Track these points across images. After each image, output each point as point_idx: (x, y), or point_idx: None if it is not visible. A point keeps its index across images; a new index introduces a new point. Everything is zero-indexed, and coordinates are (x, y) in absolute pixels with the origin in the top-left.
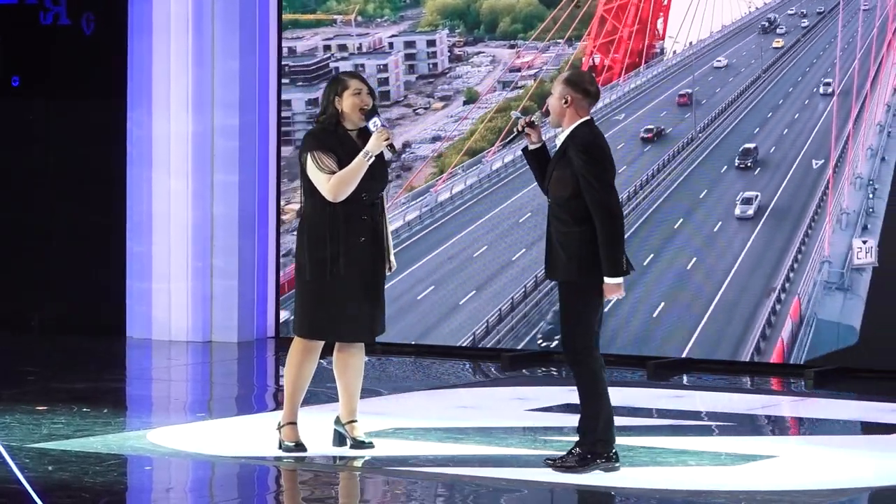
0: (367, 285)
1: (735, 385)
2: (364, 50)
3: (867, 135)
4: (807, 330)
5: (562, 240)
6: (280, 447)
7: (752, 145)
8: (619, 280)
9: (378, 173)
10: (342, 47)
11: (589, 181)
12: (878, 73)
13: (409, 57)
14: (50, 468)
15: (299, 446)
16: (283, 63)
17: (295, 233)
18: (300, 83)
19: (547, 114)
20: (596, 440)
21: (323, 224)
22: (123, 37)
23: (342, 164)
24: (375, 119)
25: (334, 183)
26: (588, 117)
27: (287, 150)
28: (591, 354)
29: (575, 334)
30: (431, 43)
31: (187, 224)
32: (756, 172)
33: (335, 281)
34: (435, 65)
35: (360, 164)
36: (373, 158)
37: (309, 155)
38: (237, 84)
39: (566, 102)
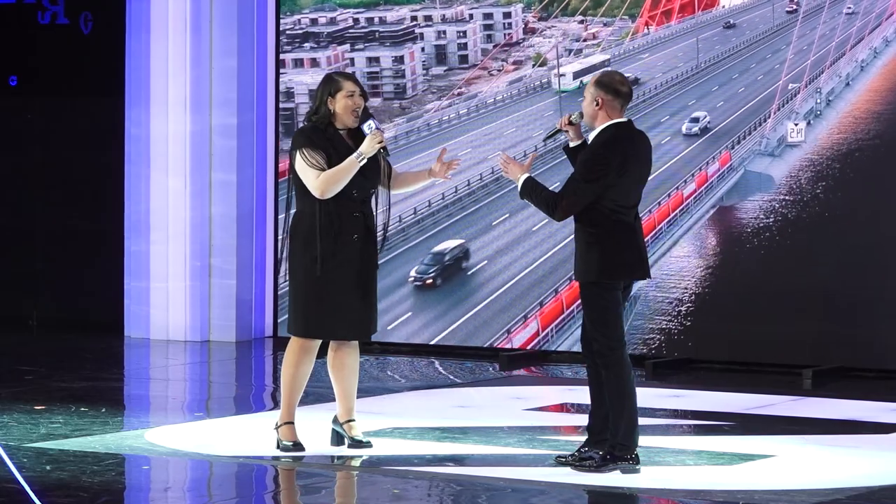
0: (360, 283)
1: (734, 385)
2: (446, 19)
3: (841, 64)
4: (731, 174)
5: (575, 240)
6: (278, 447)
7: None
8: (514, 171)
9: (369, 172)
10: (427, 18)
11: (572, 178)
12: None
13: (486, 27)
14: (48, 468)
15: (297, 446)
16: (279, 62)
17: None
18: (387, 44)
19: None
20: (616, 443)
21: (315, 222)
22: (121, 36)
23: (332, 162)
24: (370, 122)
25: (323, 180)
26: (620, 119)
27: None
28: (616, 356)
29: (597, 335)
30: (507, 15)
31: (185, 223)
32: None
33: (329, 279)
34: (510, 35)
35: (351, 165)
36: (365, 160)
37: (298, 152)
38: (235, 83)
39: (597, 104)
